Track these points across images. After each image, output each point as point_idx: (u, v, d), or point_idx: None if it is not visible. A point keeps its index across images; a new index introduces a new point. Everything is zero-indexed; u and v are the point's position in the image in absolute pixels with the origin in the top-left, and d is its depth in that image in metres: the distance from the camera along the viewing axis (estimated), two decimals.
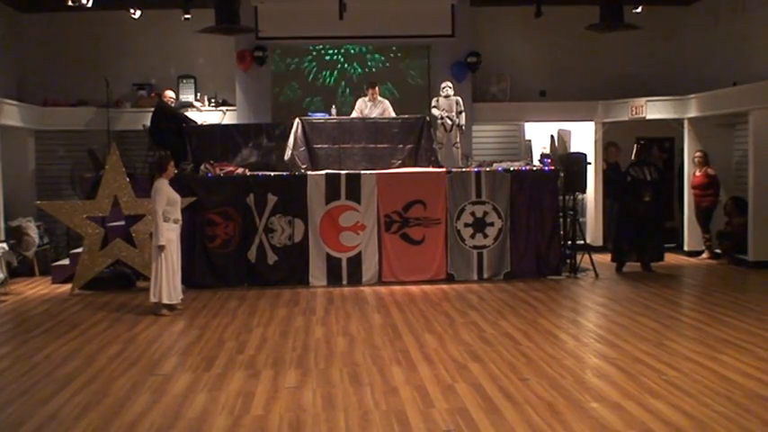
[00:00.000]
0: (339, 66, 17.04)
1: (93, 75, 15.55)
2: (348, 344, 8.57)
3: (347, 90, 16.88)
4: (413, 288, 12.13)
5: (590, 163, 14.46)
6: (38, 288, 12.85)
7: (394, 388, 6.87)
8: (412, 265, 12.63)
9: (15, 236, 13.74)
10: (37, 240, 14.11)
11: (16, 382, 7.35)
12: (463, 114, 14.00)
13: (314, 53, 16.96)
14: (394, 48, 16.95)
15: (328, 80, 17.00)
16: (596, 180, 16.03)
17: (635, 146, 13.82)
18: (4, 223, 13.64)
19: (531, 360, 7.72)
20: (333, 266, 12.56)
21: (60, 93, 15.86)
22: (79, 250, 12.78)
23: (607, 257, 14.79)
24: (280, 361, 7.87)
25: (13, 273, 13.32)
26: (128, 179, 12.36)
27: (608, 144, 16.46)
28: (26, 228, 13.94)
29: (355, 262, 12.58)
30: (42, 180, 15.69)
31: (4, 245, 12.67)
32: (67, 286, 12.46)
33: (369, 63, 17.03)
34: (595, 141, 16.23)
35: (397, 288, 12.14)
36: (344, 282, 12.54)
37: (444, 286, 12.22)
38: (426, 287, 12.16)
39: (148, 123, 14.23)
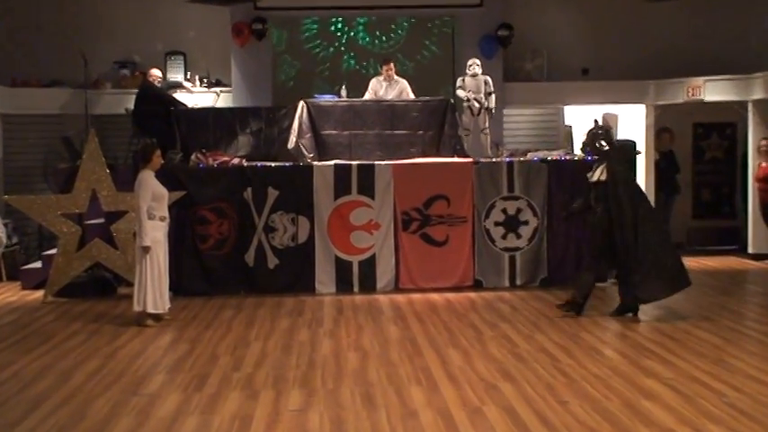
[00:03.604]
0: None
1: (69, 51, 15.58)
2: (360, 360, 8.58)
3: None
4: (435, 296, 12.12)
5: (640, 152, 14.42)
6: (5, 295, 12.91)
7: (413, 411, 6.86)
8: (434, 270, 12.62)
9: None
10: (4, 240, 14.00)
11: None
12: (493, 96, 13.95)
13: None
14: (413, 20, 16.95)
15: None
16: (647, 172, 15.95)
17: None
18: None
19: (571, 380, 7.71)
20: (342, 271, 12.58)
21: (31, 71, 15.90)
22: (53, 252, 12.83)
23: None
24: (281, 380, 7.88)
25: None
26: (108, 170, 12.41)
27: (660, 130, 16.41)
28: None
29: (368, 266, 12.60)
30: (10, 171, 15.76)
31: None
32: (39, 293, 12.50)
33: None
34: (646, 127, 16.17)
35: (416, 296, 12.14)
36: (356, 289, 12.55)
37: (471, 294, 12.21)
38: (450, 295, 12.15)
39: (131, 107, 14.28)
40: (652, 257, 10.16)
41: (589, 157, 12.97)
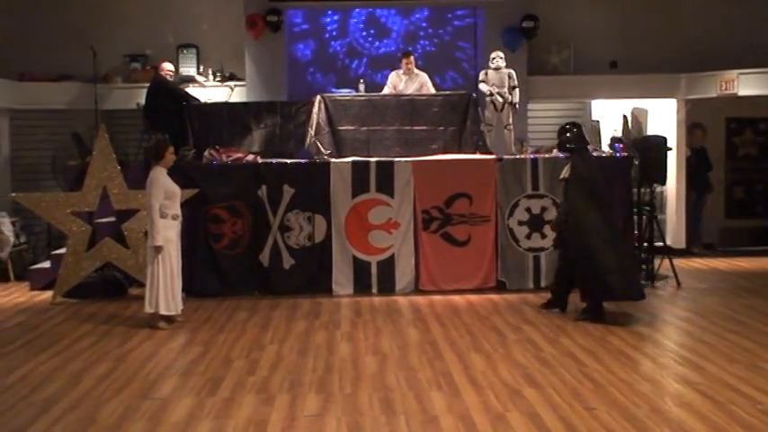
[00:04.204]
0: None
1: (78, 44, 15.67)
2: (379, 364, 8.60)
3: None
4: (456, 298, 12.13)
5: (670, 148, 14.38)
6: (13, 295, 12.99)
7: (433, 417, 6.88)
8: (455, 271, 12.62)
9: None
10: (12, 239, 14.26)
11: None
12: (517, 90, 13.95)
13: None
14: None
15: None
16: (678, 169, 15.93)
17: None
18: None
19: (598, 385, 7.70)
20: (360, 272, 12.60)
21: (39, 65, 16.00)
22: (62, 251, 12.90)
23: (691, 262, 14.73)
24: (297, 384, 7.91)
25: None
26: (119, 167, 12.46)
27: (692, 126, 16.37)
28: None
29: (387, 266, 12.61)
30: (18, 168, 15.87)
31: None
32: (48, 294, 12.57)
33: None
34: (677, 122, 16.12)
35: (437, 298, 12.15)
36: (374, 290, 12.57)
37: (494, 296, 12.20)
38: (472, 297, 12.16)
39: (143, 101, 14.34)
40: (616, 258, 10.29)
41: (618, 154, 13.07)
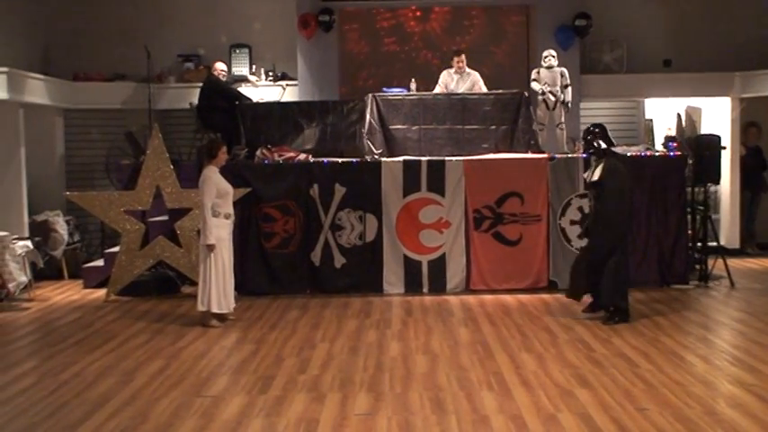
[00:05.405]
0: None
1: (132, 44, 15.83)
2: (429, 363, 8.61)
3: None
4: (507, 298, 12.10)
5: (725, 147, 14.23)
6: (67, 293, 13.18)
7: (484, 417, 6.88)
8: (506, 271, 12.60)
9: (41, 232, 14.05)
10: (66, 238, 14.44)
11: (41, 402, 7.56)
12: (569, 89, 13.87)
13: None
14: None
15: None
16: (732, 168, 15.76)
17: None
18: (28, 218, 13.99)
19: (650, 386, 7.65)
20: (411, 271, 12.61)
21: (93, 65, 16.19)
22: (115, 249, 13.07)
23: (745, 262, 14.55)
24: (348, 382, 7.94)
25: (39, 275, 13.67)
26: (172, 166, 12.59)
27: (747, 124, 16.19)
28: (53, 223, 14.28)
29: (438, 266, 12.61)
30: (73, 167, 16.04)
31: (29, 243, 12.94)
32: (101, 291, 12.76)
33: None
34: (731, 121, 15.94)
35: (488, 297, 12.13)
36: (425, 289, 12.58)
37: (545, 296, 12.15)
38: (524, 297, 12.12)
39: (196, 101, 14.45)
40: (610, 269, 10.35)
41: (671, 154, 12.95)
